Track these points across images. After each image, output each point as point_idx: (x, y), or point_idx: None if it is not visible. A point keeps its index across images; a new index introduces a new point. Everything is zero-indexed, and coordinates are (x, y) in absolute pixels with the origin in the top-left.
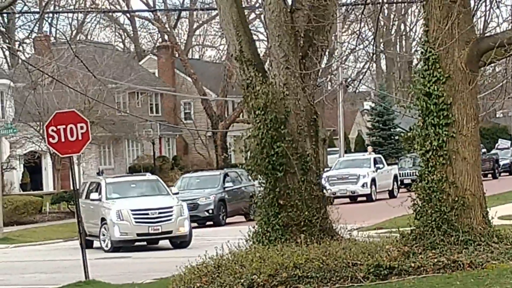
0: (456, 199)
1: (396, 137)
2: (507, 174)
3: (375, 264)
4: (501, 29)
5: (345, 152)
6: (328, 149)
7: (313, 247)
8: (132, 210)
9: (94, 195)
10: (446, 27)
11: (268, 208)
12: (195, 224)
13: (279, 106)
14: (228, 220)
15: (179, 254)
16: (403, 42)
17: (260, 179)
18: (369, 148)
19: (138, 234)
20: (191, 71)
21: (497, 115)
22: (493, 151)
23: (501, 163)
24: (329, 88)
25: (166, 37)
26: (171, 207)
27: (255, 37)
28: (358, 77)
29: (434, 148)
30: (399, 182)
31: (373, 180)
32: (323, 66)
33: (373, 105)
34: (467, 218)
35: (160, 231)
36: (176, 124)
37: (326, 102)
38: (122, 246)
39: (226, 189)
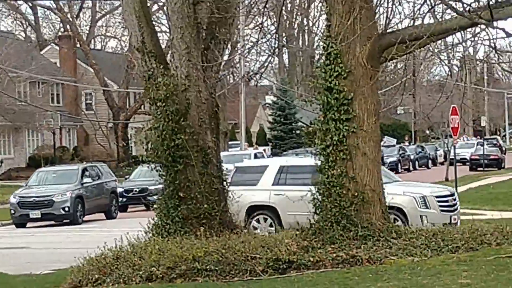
0: (356, 194)
1: (298, 131)
2: (394, 172)
3: (274, 258)
4: (403, 25)
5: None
6: (230, 142)
7: (212, 240)
8: None
9: None
10: (348, 23)
11: (168, 201)
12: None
13: (180, 98)
14: (86, 218)
15: (78, 245)
16: (306, 36)
17: (160, 172)
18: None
19: None
20: (93, 61)
21: (398, 111)
22: None
23: (387, 160)
24: (231, 81)
25: (68, 27)
26: None
27: (157, 29)
28: (260, 71)
29: (335, 143)
30: None
31: None
32: (225, 59)
33: (274, 99)
34: (366, 213)
35: None
36: (77, 114)
37: (228, 95)
38: None
39: (85, 185)
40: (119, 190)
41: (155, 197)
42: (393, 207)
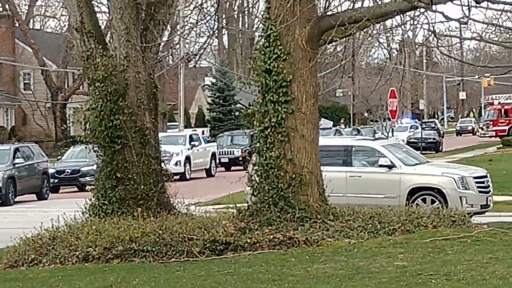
0: (294, 176)
1: (237, 113)
2: None
3: (211, 239)
4: (342, 8)
5: (185, 127)
6: (168, 124)
7: (149, 221)
8: None
9: None
10: (288, 5)
11: (105, 181)
12: None
13: (119, 78)
14: (18, 198)
15: (14, 225)
16: (246, 18)
17: (98, 152)
18: None
19: None
20: (32, 41)
21: (337, 94)
22: None
23: None
24: (170, 62)
25: (6, 6)
26: None
27: (96, 9)
28: (199, 52)
29: (273, 124)
30: (217, 161)
31: (188, 158)
32: (164, 40)
33: (214, 80)
34: (303, 195)
35: None
36: (15, 94)
37: (167, 76)
38: None
39: (16, 165)
40: (51, 171)
41: (87, 178)
42: (432, 188)
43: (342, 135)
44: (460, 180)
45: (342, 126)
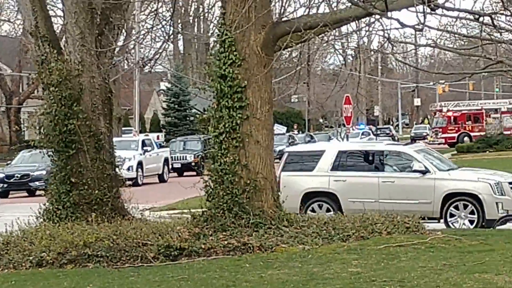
0: (248, 182)
1: (192, 118)
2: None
3: (166, 245)
4: (298, 14)
5: (140, 132)
6: (123, 128)
7: (103, 226)
8: None
9: None
10: (243, 10)
11: (59, 186)
12: None
13: (73, 83)
14: None
15: None
16: (201, 23)
17: (52, 157)
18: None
19: None
20: None
21: (292, 100)
22: None
23: (276, 149)
24: (125, 67)
25: None
26: None
27: (51, 13)
28: (154, 57)
29: (228, 130)
30: (169, 166)
31: (140, 164)
32: (119, 44)
33: (169, 85)
34: (258, 201)
35: None
36: None
37: (122, 81)
38: None
39: None
40: (0, 176)
41: (37, 183)
42: (467, 193)
43: (295, 141)
44: (496, 185)
45: (296, 132)
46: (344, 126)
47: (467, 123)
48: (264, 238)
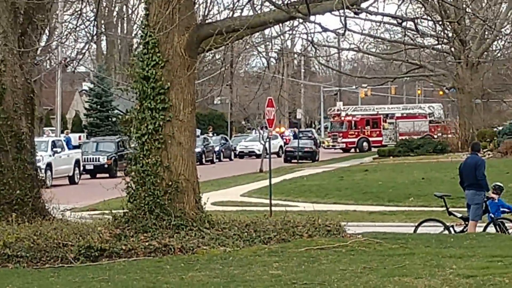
0: (170, 183)
1: (114, 119)
2: (197, 163)
3: (86, 246)
4: (222, 16)
5: (62, 132)
6: (45, 128)
7: (24, 226)
8: None
9: None
10: (167, 12)
11: None
12: None
13: None
14: None
15: None
16: (125, 24)
17: None
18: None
19: None
20: None
21: (215, 102)
22: None
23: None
24: (48, 66)
25: None
26: None
27: None
28: (77, 57)
29: (150, 131)
30: (81, 168)
31: (49, 165)
32: (42, 44)
33: (91, 86)
34: (180, 202)
35: None
36: None
37: (44, 81)
38: None
39: None
40: None
41: None
42: None
43: (210, 143)
44: None
45: (210, 134)
46: (267, 128)
47: (366, 128)
48: (185, 239)
